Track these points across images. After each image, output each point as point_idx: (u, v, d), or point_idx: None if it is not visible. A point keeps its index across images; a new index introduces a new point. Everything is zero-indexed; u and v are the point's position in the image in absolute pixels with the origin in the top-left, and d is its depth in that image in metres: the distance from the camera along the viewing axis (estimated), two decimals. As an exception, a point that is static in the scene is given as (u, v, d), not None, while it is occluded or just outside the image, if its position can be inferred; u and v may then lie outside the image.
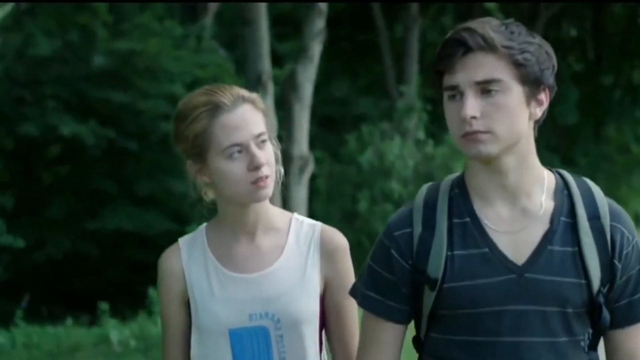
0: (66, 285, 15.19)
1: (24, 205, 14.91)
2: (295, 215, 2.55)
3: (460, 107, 2.11)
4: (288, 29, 17.91)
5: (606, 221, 2.18)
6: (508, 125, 2.11)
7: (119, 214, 15.26)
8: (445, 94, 2.15)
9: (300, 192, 11.37)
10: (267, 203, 2.47)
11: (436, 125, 16.05)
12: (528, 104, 2.14)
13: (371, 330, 2.27)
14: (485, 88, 2.10)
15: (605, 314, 2.17)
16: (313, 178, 12.65)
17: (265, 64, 10.74)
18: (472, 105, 2.09)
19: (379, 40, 18.19)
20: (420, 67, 18.04)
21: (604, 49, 24.89)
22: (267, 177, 2.38)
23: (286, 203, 11.18)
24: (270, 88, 10.73)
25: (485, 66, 2.10)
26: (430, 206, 2.22)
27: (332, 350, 2.55)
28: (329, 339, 2.55)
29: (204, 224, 2.54)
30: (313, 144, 11.93)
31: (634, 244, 2.20)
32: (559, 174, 2.26)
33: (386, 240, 2.24)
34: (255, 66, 10.72)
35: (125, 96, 15.48)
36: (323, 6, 11.51)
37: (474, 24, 2.13)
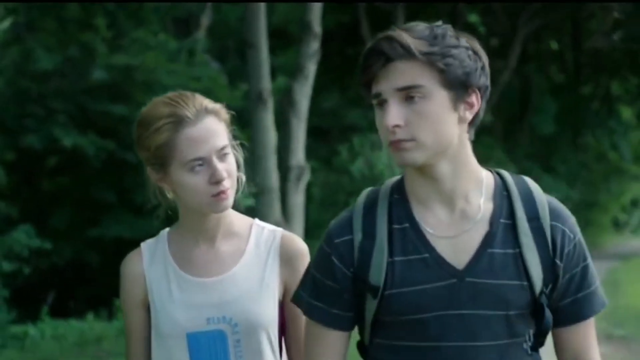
0: (70, 291, 15.42)
1: (27, 214, 14.82)
2: (257, 221, 2.53)
3: (385, 116, 2.07)
4: (280, 43, 18.34)
5: (546, 221, 2.12)
6: (433, 132, 2.05)
7: (119, 223, 15.38)
8: (374, 103, 2.11)
9: (297, 199, 11.74)
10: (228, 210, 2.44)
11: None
12: (455, 108, 2.06)
13: (316, 338, 2.21)
14: (407, 95, 2.04)
15: (548, 314, 2.13)
16: (308, 186, 13.05)
17: (266, 82, 11.26)
18: (394, 114, 2.04)
19: (367, 55, 18.59)
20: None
21: (582, 62, 25.19)
22: (227, 189, 2.35)
23: (284, 209, 11.61)
24: (271, 104, 11.24)
25: (406, 73, 2.03)
26: (370, 212, 2.16)
27: (290, 358, 2.52)
28: (287, 347, 2.51)
29: (167, 229, 2.53)
30: (306, 153, 12.38)
31: (576, 242, 2.15)
32: (499, 174, 2.20)
33: (327, 248, 2.18)
34: (257, 84, 11.21)
35: (124, 109, 15.45)
36: (318, 29, 12.07)
37: (395, 32, 2.07)
